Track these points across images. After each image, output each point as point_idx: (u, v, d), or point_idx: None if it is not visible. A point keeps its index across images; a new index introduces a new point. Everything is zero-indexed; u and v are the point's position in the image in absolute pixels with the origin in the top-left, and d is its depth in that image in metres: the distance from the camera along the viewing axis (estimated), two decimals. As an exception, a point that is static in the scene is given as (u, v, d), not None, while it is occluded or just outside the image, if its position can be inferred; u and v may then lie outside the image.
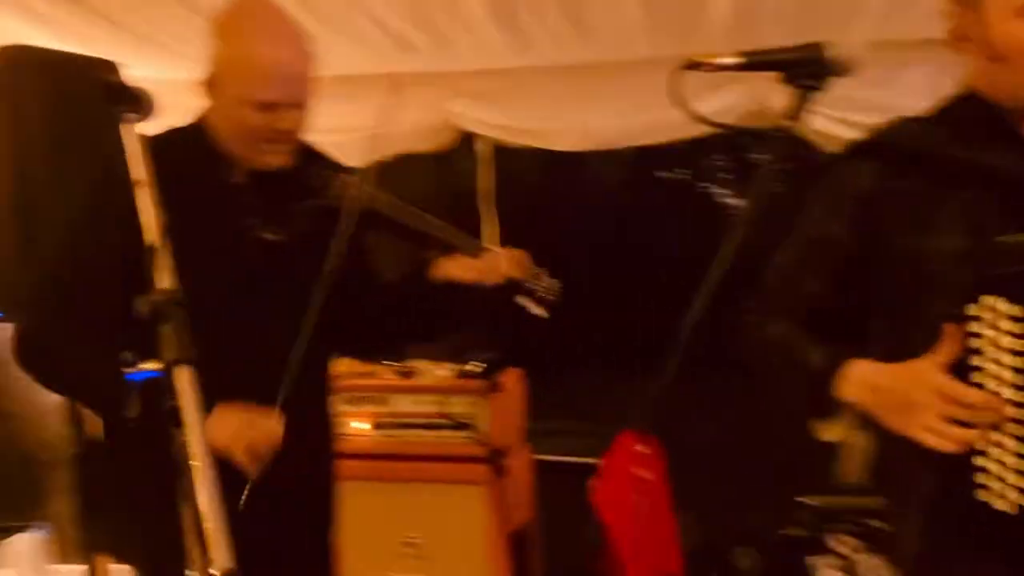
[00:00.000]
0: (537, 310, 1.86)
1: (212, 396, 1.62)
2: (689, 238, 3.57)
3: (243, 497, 1.63)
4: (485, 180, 3.78)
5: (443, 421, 3.15)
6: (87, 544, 2.56)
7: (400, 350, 2.14)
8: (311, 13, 3.09)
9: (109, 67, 3.03)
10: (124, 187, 1.37)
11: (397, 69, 3.53)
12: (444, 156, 3.82)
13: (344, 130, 3.69)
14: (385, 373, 3.29)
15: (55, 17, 3.09)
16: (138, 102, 1.56)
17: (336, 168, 1.86)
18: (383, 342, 2.12)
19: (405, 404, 3.23)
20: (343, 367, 3.34)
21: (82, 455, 2.52)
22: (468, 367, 3.19)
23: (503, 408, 3.19)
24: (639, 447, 1.47)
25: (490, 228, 3.79)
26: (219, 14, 1.77)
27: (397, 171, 3.82)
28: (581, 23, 3.11)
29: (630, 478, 1.43)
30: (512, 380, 3.31)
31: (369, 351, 2.12)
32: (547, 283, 1.87)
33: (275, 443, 1.65)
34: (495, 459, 3.12)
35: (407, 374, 3.25)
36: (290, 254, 1.77)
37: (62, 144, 2.54)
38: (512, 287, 1.85)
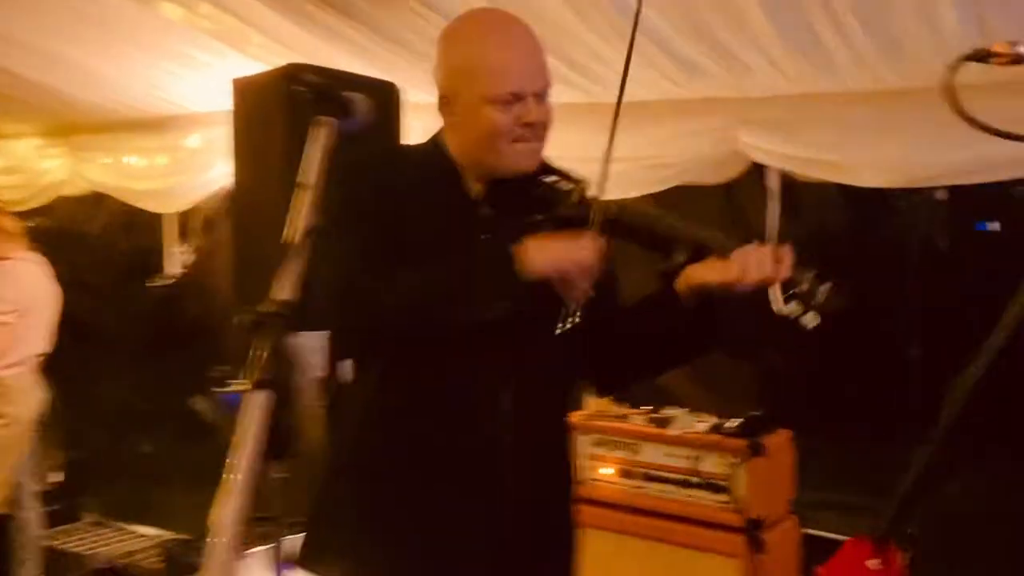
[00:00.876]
0: (808, 320, 1.50)
1: (434, 418, 1.60)
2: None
3: (566, 321, 1.54)
4: (774, 217, 3.43)
5: (696, 479, 2.85)
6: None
7: (646, 379, 1.88)
8: (595, 32, 2.97)
9: (389, 88, 3.12)
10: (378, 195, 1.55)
11: (682, 95, 3.31)
12: (731, 189, 3.51)
13: (626, 159, 3.54)
14: (638, 419, 3.05)
15: (354, 39, 3.21)
16: (343, 108, 1.51)
17: (572, 178, 1.68)
18: (628, 371, 1.84)
19: (656, 455, 2.97)
20: (595, 408, 3.16)
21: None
22: (728, 423, 2.87)
23: (766, 473, 2.82)
24: (873, 561, 1.13)
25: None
26: (447, 28, 1.71)
27: (680, 203, 3.59)
28: (891, 43, 2.70)
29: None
30: (779, 442, 2.93)
31: (613, 381, 1.89)
32: (818, 287, 1.51)
33: (596, 264, 1.51)
34: (753, 530, 2.76)
35: (661, 422, 2.99)
36: None
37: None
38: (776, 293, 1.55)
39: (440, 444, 1.63)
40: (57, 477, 4.57)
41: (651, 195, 3.49)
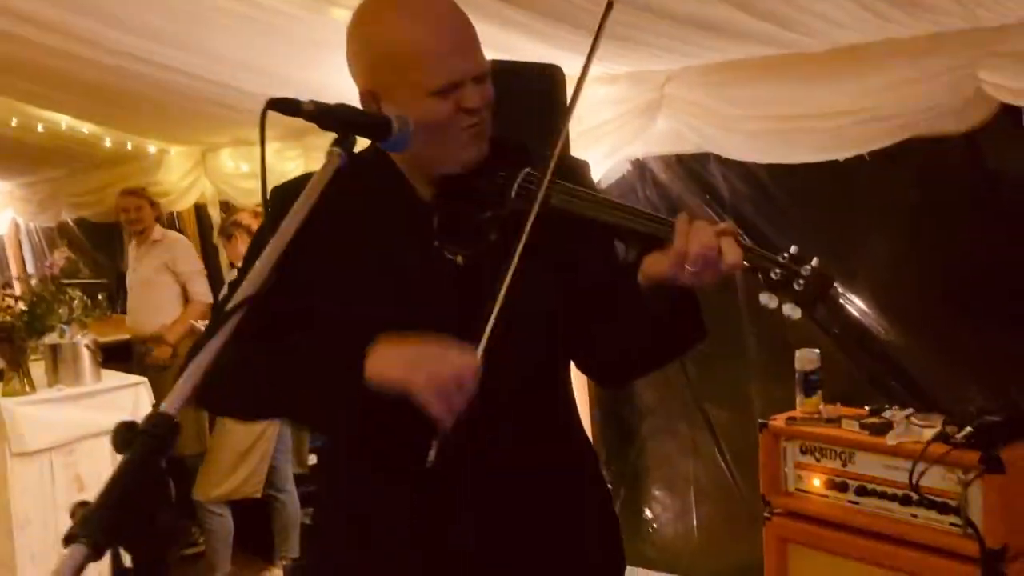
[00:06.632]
0: (789, 312, 1.23)
1: (405, 447, 1.38)
2: None
3: (431, 454, 1.31)
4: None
5: (916, 496, 2.40)
6: None
7: (645, 372, 1.65)
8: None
9: (554, 72, 2.89)
10: None
11: (901, 34, 2.79)
12: (976, 137, 2.92)
13: (837, 114, 3.06)
14: (851, 423, 2.62)
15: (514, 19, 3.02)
16: (372, 129, 1.34)
17: (524, 161, 1.48)
18: (623, 362, 1.57)
19: (873, 466, 2.53)
20: (802, 409, 2.78)
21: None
22: (960, 431, 2.38)
23: (1008, 492, 2.30)
24: None
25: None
26: (358, 12, 1.47)
27: (913, 158, 3.06)
28: None
29: None
30: (1027, 454, 2.39)
31: (608, 373, 1.63)
32: (797, 271, 1.22)
33: (472, 381, 1.29)
34: (992, 562, 2.27)
35: (878, 428, 2.54)
36: (481, 274, 1.42)
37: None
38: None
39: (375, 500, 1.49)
40: (313, 460, 4.87)
41: (884, 152, 3.01)
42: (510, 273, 1.36)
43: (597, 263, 1.55)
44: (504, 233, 1.42)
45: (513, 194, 1.44)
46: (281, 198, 1.55)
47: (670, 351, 1.51)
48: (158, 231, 5.21)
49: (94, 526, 0.78)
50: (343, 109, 1.32)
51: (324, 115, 1.30)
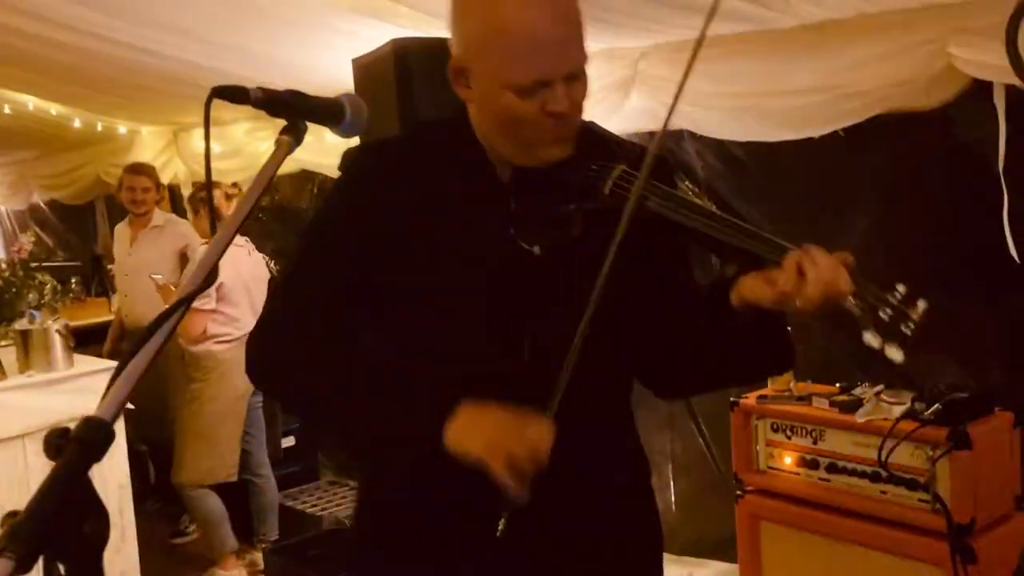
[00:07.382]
0: (892, 354, 1.16)
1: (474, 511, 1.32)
2: None
3: (501, 524, 1.27)
4: (1002, 143, 2.79)
5: (886, 473, 2.41)
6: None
7: (711, 391, 1.60)
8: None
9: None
10: None
11: (873, 10, 2.77)
12: (947, 113, 2.91)
13: (811, 91, 3.05)
14: (821, 401, 2.63)
15: None
16: (329, 115, 1.31)
17: (613, 157, 1.39)
18: (685, 380, 1.52)
19: (842, 443, 2.54)
20: (773, 387, 2.78)
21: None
22: (929, 408, 2.38)
23: (975, 467, 2.31)
24: None
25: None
26: None
27: (886, 134, 3.05)
28: None
29: None
30: (994, 428, 2.40)
31: (666, 387, 1.56)
32: (907, 311, 1.16)
33: (543, 455, 1.23)
34: (958, 536, 2.29)
35: (847, 406, 2.55)
36: (559, 267, 1.37)
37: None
38: (846, 317, 1.20)
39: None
40: (289, 442, 4.84)
41: (857, 128, 3.00)
42: (598, 289, 1.26)
43: (681, 272, 1.47)
44: (588, 230, 1.35)
45: (607, 191, 1.35)
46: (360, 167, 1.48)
47: (753, 375, 1.47)
48: (159, 215, 4.91)
49: (21, 539, 0.76)
50: (292, 96, 1.29)
51: (272, 102, 1.28)
